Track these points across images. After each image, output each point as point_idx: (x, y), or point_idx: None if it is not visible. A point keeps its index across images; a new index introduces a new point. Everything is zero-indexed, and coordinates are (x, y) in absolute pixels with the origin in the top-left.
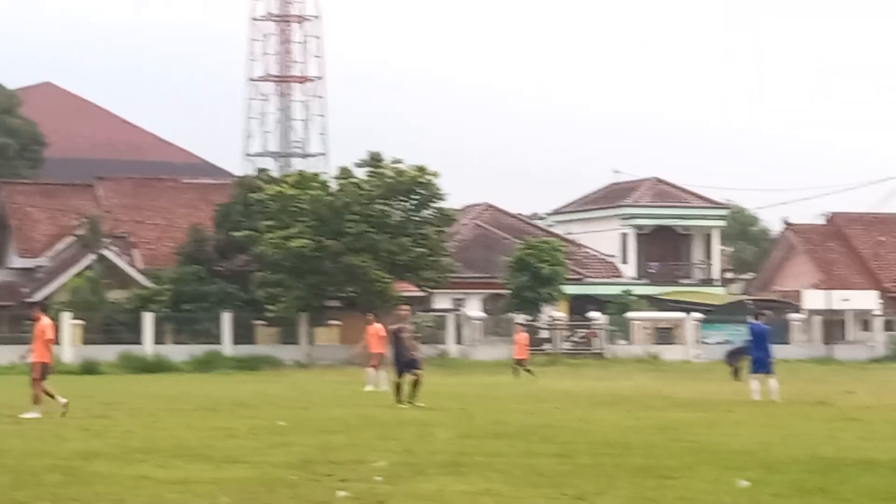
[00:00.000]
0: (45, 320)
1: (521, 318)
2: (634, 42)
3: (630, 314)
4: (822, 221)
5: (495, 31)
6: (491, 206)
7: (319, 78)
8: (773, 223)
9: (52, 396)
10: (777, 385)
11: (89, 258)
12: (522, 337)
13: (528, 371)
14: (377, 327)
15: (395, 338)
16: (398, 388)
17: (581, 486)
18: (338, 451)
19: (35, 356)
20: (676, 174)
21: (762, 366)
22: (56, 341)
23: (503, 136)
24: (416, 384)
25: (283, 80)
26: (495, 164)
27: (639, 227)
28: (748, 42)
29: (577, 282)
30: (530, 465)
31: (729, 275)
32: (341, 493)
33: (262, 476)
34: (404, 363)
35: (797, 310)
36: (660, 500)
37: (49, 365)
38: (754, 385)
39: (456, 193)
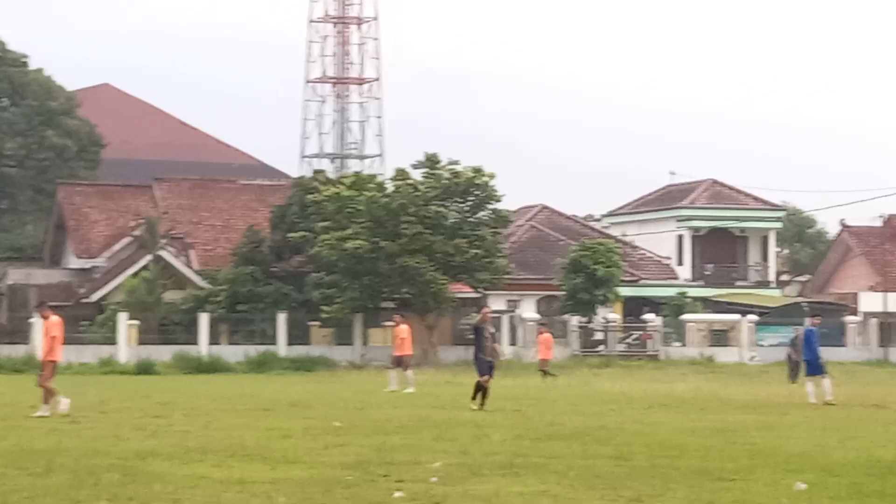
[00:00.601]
0: (54, 318)
1: (575, 318)
2: (694, 36)
3: (685, 316)
4: (879, 223)
5: (552, 24)
6: (546, 207)
7: (376, 79)
8: (829, 225)
9: (50, 396)
10: (830, 385)
11: (146, 259)
12: (546, 338)
13: (545, 373)
14: (404, 328)
15: (477, 339)
16: (479, 388)
17: (638, 489)
18: (393, 451)
19: (44, 355)
20: (734, 174)
21: (815, 368)
22: (62, 340)
23: (560, 134)
24: (485, 391)
25: (340, 81)
26: (551, 164)
27: (695, 228)
28: (812, 37)
29: (632, 283)
30: (586, 466)
31: (785, 277)
32: (397, 494)
33: (318, 476)
34: (487, 366)
35: (853, 312)
36: (717, 502)
37: (55, 363)
38: (809, 388)
39: (511, 194)
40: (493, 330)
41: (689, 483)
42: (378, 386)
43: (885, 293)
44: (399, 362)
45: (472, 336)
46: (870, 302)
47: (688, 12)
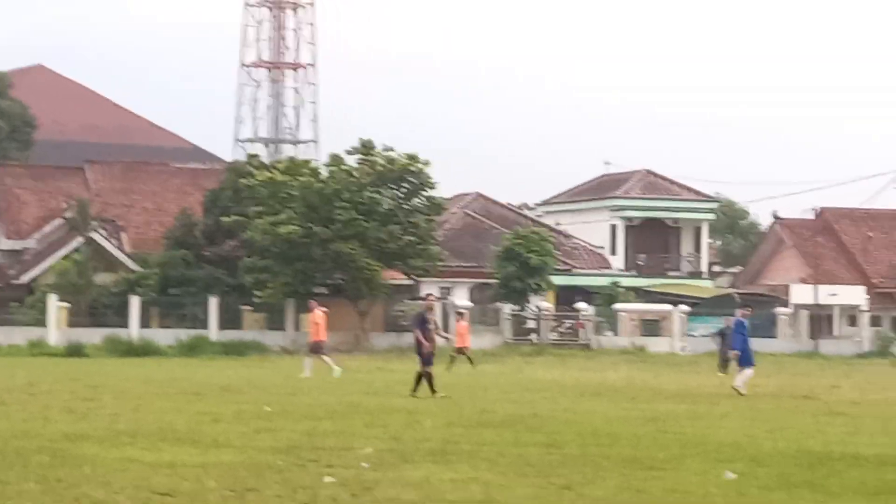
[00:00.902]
0: None
1: (507, 306)
2: (630, 32)
3: (617, 305)
4: (811, 216)
5: (487, 17)
6: (481, 195)
7: (312, 65)
8: (762, 217)
9: None
10: (749, 377)
11: (77, 241)
12: (463, 326)
13: (470, 360)
14: (318, 314)
15: (422, 328)
16: (429, 379)
17: (568, 476)
18: (324, 437)
19: None
20: (668, 165)
21: (743, 359)
22: None
23: (494, 124)
24: (419, 378)
25: (275, 66)
26: (486, 152)
27: (628, 218)
28: (743, 34)
29: (566, 272)
30: (518, 454)
31: (716, 268)
32: (328, 479)
33: (248, 461)
34: (431, 355)
35: (785, 304)
36: (647, 490)
37: None
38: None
39: (446, 182)
40: (435, 319)
41: (619, 471)
42: (313, 372)
43: (815, 285)
44: (315, 348)
45: (407, 323)
46: (801, 294)
47: (621, 8)
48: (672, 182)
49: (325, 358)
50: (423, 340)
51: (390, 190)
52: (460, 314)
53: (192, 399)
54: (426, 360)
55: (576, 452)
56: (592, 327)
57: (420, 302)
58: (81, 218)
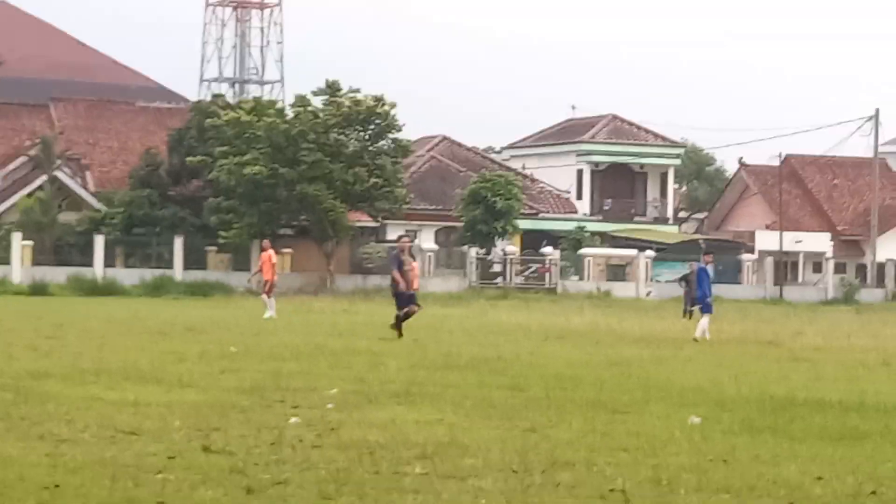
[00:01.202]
0: None
1: (473, 250)
2: None
3: (583, 250)
4: (777, 163)
5: None
6: (447, 138)
7: (278, 4)
8: (728, 163)
9: None
10: (706, 325)
11: (41, 179)
12: (413, 267)
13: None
14: (270, 253)
15: (399, 269)
16: (399, 321)
17: (533, 419)
18: (289, 377)
19: None
20: (635, 110)
21: (704, 305)
22: None
23: (462, 68)
24: (407, 317)
25: (241, 5)
26: (452, 96)
27: (594, 163)
28: None
29: (531, 216)
30: (482, 396)
31: (682, 213)
32: (293, 420)
33: (213, 400)
34: (407, 297)
35: (750, 250)
36: (611, 433)
37: None
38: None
39: (412, 125)
40: (411, 260)
41: (583, 414)
42: (278, 313)
43: (780, 232)
44: (266, 287)
45: (372, 265)
46: (766, 240)
47: None
48: (638, 127)
49: (265, 298)
50: (400, 280)
51: (356, 132)
52: (412, 255)
53: (157, 338)
54: (402, 301)
55: (540, 395)
56: (558, 271)
57: (388, 245)
58: (46, 156)
